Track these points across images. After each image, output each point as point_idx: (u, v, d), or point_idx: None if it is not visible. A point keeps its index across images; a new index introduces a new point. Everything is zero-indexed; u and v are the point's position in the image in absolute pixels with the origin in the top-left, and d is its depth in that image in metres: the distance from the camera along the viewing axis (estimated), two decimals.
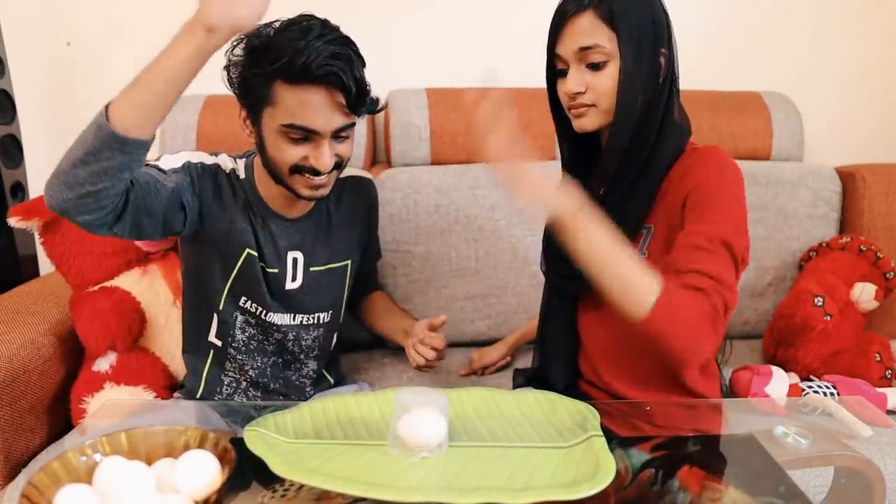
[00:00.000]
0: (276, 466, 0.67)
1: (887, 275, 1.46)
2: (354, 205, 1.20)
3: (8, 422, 1.10)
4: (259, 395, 1.17)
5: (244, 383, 1.16)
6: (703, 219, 0.88)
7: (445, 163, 1.62)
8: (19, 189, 1.51)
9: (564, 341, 1.09)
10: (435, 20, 1.75)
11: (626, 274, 0.81)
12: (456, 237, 1.53)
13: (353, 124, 1.01)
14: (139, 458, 0.68)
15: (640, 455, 0.78)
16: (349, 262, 1.18)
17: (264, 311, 1.10)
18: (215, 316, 1.11)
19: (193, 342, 1.17)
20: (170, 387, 1.27)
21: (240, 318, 1.11)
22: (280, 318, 1.12)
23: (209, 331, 1.13)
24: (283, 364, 1.17)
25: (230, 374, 1.15)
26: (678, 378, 1.01)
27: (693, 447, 0.86)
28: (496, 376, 1.46)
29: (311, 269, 1.12)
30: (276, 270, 1.09)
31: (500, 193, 1.54)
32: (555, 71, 0.97)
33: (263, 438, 0.74)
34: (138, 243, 1.31)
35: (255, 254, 1.06)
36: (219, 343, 1.13)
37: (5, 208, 1.46)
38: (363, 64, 1.02)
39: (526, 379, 1.18)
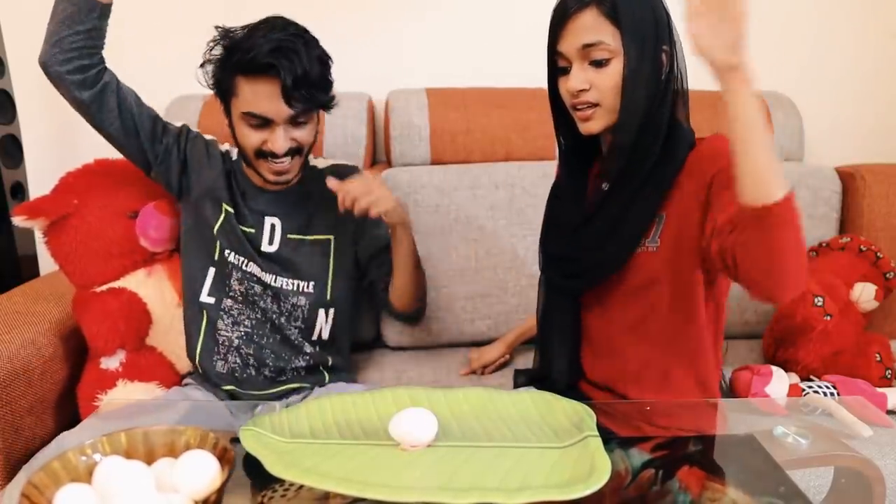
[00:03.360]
0: (272, 466, 0.67)
1: (887, 275, 1.46)
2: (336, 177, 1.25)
3: (8, 422, 1.10)
4: (252, 353, 1.21)
5: (237, 341, 1.20)
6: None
7: (445, 163, 1.62)
8: (19, 189, 1.51)
9: (566, 340, 1.09)
10: (435, 20, 1.76)
11: (769, 148, 0.76)
12: (456, 237, 1.53)
13: (310, 110, 1.10)
14: (139, 458, 0.69)
15: (640, 455, 0.78)
16: (331, 237, 1.23)
17: (246, 262, 1.19)
18: (211, 269, 1.21)
19: (189, 304, 1.24)
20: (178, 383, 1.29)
21: (233, 271, 1.20)
22: (262, 275, 1.19)
23: (202, 289, 1.21)
24: (272, 326, 1.22)
25: (223, 332, 1.21)
26: (684, 373, 1.01)
27: (693, 447, 0.86)
28: (496, 376, 1.46)
29: (289, 236, 1.21)
30: (252, 230, 1.20)
31: (500, 193, 1.54)
32: (556, 69, 0.97)
33: (260, 438, 0.74)
34: (143, 243, 1.30)
35: (232, 211, 1.19)
36: (211, 301, 1.21)
37: (5, 208, 1.46)
38: (322, 61, 1.10)
39: (527, 379, 1.18)
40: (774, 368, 1.31)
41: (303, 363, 1.24)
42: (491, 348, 1.44)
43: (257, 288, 1.20)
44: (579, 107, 0.94)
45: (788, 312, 1.40)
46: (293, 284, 1.20)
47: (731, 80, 0.75)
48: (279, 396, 1.23)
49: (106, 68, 1.16)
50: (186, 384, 1.27)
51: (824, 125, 1.83)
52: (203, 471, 0.65)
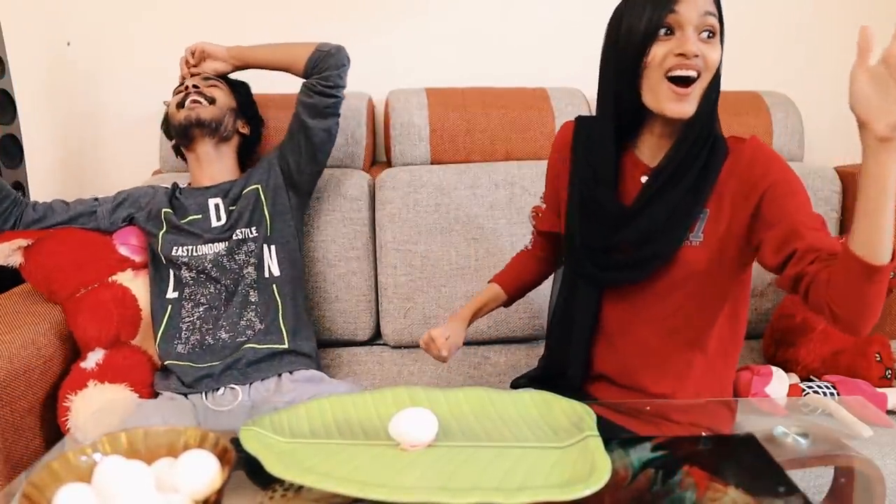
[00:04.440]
0: (272, 466, 0.67)
1: None
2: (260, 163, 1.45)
3: (8, 422, 1.10)
4: (210, 326, 1.31)
5: (198, 321, 1.31)
6: (804, 205, 0.93)
7: (445, 162, 1.62)
8: (19, 189, 1.50)
9: (585, 333, 1.07)
10: (435, 20, 1.76)
11: (892, 214, 0.79)
12: (456, 236, 1.53)
13: (216, 79, 1.44)
14: (139, 458, 0.68)
15: (640, 455, 0.78)
16: (258, 186, 1.39)
17: (195, 248, 1.33)
18: (170, 272, 1.34)
19: (155, 301, 1.34)
20: (153, 383, 1.29)
21: (182, 265, 1.33)
22: (210, 248, 1.34)
23: (168, 289, 1.33)
24: (227, 293, 1.33)
25: (186, 318, 1.32)
26: (704, 369, 1.03)
27: (693, 447, 0.86)
28: (495, 375, 1.46)
29: (231, 208, 1.37)
30: (199, 216, 1.36)
31: (500, 192, 1.54)
32: (649, 38, 0.93)
33: (259, 438, 0.74)
34: (124, 252, 1.37)
35: (171, 211, 1.37)
36: (175, 295, 1.33)
37: None
38: None
39: (527, 381, 1.18)
40: (774, 368, 1.31)
41: (257, 318, 1.32)
42: (455, 331, 1.16)
43: (207, 265, 1.33)
44: (680, 72, 0.92)
45: (788, 312, 1.40)
46: (242, 233, 1.35)
47: (881, 150, 0.75)
48: (237, 362, 1.26)
49: (16, 202, 1.34)
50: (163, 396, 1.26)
51: (824, 125, 1.83)
52: (203, 471, 0.65)
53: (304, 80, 1.40)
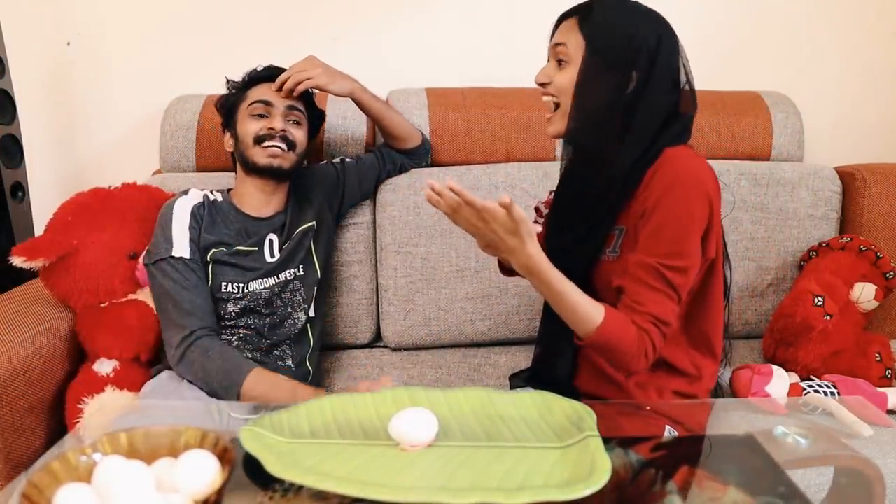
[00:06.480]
0: (272, 466, 0.67)
1: (887, 275, 1.46)
2: (311, 178, 1.42)
3: (8, 422, 1.10)
4: (251, 346, 1.27)
5: (237, 342, 1.27)
6: (648, 245, 0.96)
7: (445, 163, 1.62)
8: (19, 189, 1.50)
9: (568, 333, 1.09)
10: (434, 21, 1.76)
11: (572, 306, 0.93)
12: (456, 238, 1.53)
13: (300, 110, 1.33)
14: (139, 458, 0.68)
15: (639, 455, 0.78)
16: (312, 223, 1.37)
17: (245, 285, 1.28)
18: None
19: None
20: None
21: (229, 301, 1.27)
22: (261, 284, 1.29)
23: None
24: (278, 319, 1.30)
25: (223, 338, 1.26)
26: (674, 359, 1.05)
27: (693, 447, 0.86)
28: (495, 376, 1.46)
29: (284, 245, 1.33)
30: (255, 249, 1.30)
31: (500, 193, 1.54)
32: None
33: (260, 438, 0.74)
34: (141, 279, 1.33)
35: (224, 249, 1.27)
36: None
37: (5, 208, 1.46)
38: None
39: (523, 381, 1.18)
40: (775, 368, 1.31)
41: (289, 354, 1.32)
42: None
43: (261, 302, 1.29)
44: (545, 99, 1.03)
45: (788, 312, 1.40)
46: (290, 273, 1.32)
47: (524, 273, 0.92)
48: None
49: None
50: (159, 370, 1.26)
51: (824, 125, 1.83)
52: (203, 471, 0.65)
53: (396, 150, 1.51)
